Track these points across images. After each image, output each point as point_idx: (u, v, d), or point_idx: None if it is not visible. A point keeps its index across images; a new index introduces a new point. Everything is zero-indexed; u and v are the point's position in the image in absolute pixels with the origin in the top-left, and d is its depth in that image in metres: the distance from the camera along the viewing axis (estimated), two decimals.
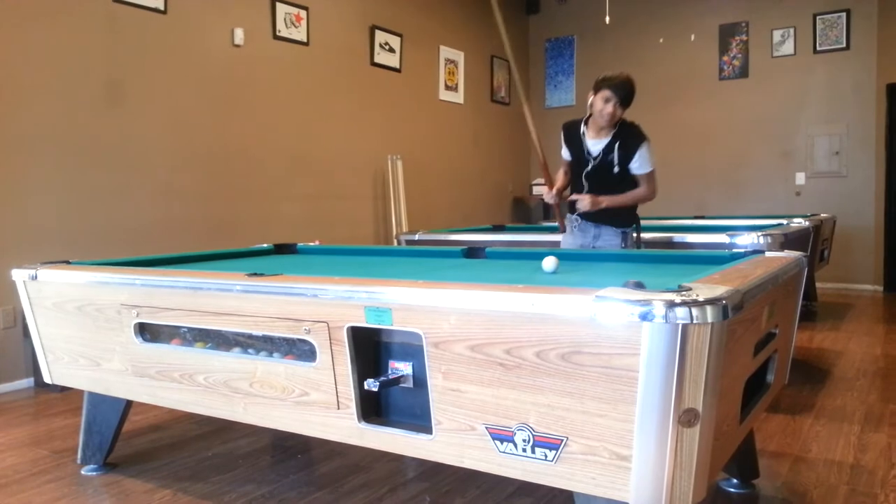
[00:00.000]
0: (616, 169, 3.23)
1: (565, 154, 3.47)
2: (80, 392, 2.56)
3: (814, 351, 4.26)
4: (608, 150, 3.23)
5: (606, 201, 3.25)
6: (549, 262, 2.20)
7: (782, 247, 3.28)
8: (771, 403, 2.56)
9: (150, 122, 4.35)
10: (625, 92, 3.14)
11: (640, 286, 1.42)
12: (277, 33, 5.17)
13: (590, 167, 3.28)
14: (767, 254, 2.26)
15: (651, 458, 1.35)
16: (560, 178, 3.52)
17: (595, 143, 3.27)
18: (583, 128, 3.33)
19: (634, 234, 3.39)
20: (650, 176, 3.29)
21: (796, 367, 3.73)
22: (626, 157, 3.21)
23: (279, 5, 5.16)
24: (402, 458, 2.49)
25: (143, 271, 2.29)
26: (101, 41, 4.07)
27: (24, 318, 2.76)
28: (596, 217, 3.31)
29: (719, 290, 1.38)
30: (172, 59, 4.46)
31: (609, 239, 3.34)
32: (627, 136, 3.22)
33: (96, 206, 4.05)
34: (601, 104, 3.16)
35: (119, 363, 2.28)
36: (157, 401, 2.25)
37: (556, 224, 3.75)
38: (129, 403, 2.48)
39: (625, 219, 3.34)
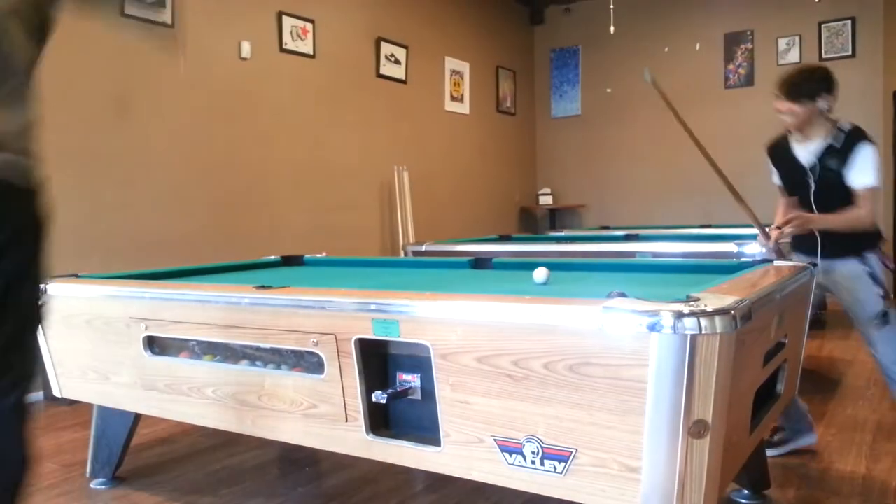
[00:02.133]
0: (841, 177, 2.51)
1: (776, 179, 2.85)
2: (89, 405, 2.56)
3: (824, 360, 4.22)
4: (826, 154, 2.56)
5: (819, 221, 2.53)
6: (540, 274, 2.09)
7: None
8: (781, 413, 2.54)
9: (157, 134, 4.37)
10: (788, 85, 2.58)
11: (622, 297, 1.42)
12: (284, 46, 5.21)
13: (811, 180, 2.59)
14: (776, 263, 2.25)
15: (661, 470, 1.34)
16: (779, 216, 2.73)
17: (805, 149, 2.63)
18: (790, 137, 2.72)
19: (879, 260, 2.58)
20: (869, 192, 2.48)
21: (806, 376, 3.70)
22: (844, 163, 2.51)
23: (286, 18, 5.20)
24: (411, 470, 2.48)
25: (152, 284, 2.30)
26: (110, 55, 4.11)
27: None
28: (821, 249, 2.58)
29: (728, 300, 1.38)
30: (180, 73, 4.50)
31: (844, 273, 2.61)
32: (848, 136, 2.54)
33: (104, 219, 4.08)
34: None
35: (128, 376, 2.28)
36: (166, 414, 2.25)
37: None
38: (137, 417, 2.49)
39: (857, 242, 2.55)
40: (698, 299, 1.39)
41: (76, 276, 2.63)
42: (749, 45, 7.12)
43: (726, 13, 7.22)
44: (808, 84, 2.60)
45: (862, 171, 2.49)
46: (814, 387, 3.59)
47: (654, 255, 3.56)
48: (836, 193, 2.54)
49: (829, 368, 4.02)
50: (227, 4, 4.79)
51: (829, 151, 2.56)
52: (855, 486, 2.33)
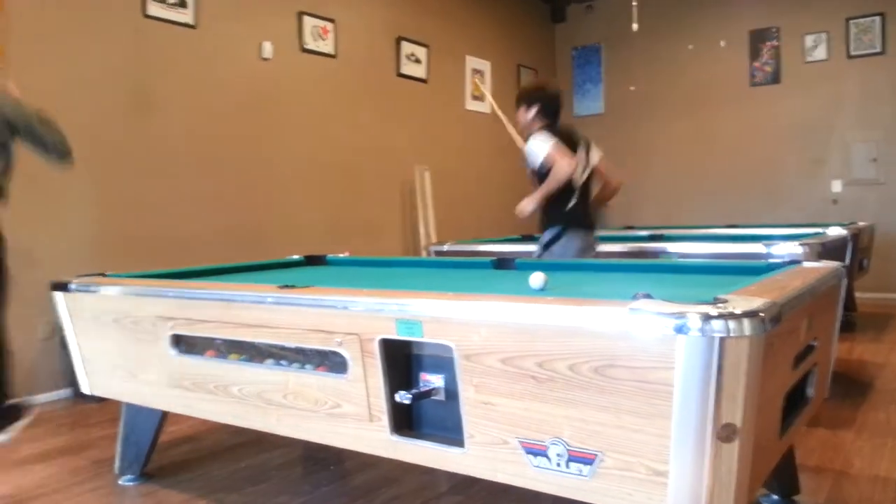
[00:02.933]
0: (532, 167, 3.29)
1: None
2: (117, 403, 2.60)
3: (854, 363, 4.15)
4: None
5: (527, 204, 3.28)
6: (536, 279, 1.92)
7: (820, 256, 3.21)
8: (811, 417, 2.50)
9: (179, 135, 4.42)
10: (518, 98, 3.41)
11: (648, 298, 1.40)
12: (305, 46, 5.24)
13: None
14: (805, 264, 2.21)
15: (688, 474, 1.33)
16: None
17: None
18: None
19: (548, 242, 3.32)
20: (548, 161, 3.15)
21: (837, 379, 3.63)
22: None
23: (306, 18, 5.23)
24: (435, 471, 2.47)
25: (178, 283, 2.33)
26: (132, 56, 4.17)
27: (61, 330, 2.83)
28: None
29: (757, 303, 1.36)
30: (202, 73, 4.54)
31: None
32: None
33: (129, 219, 4.13)
34: None
35: (155, 374, 2.31)
36: (192, 412, 2.28)
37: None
38: (164, 414, 2.51)
39: (543, 224, 3.36)
40: (726, 301, 1.37)
41: (103, 275, 2.67)
42: (775, 43, 7.01)
43: (752, 10, 7.12)
44: (520, 95, 3.44)
45: (534, 158, 3.21)
46: (844, 390, 3.53)
47: (680, 255, 3.51)
48: (535, 179, 3.29)
49: (860, 372, 3.94)
50: (248, 5, 4.82)
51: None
52: (888, 492, 2.28)
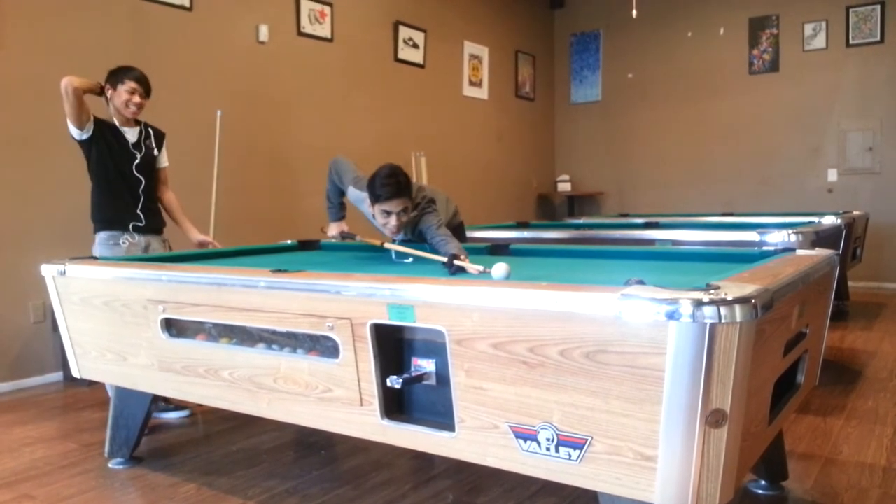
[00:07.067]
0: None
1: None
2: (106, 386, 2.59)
3: (845, 351, 4.17)
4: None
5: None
6: (499, 270, 1.85)
7: (813, 245, 3.21)
8: (801, 404, 2.51)
9: (174, 118, 4.38)
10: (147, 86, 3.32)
11: (641, 284, 1.40)
12: (302, 30, 5.19)
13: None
14: (798, 252, 2.21)
15: (677, 459, 1.33)
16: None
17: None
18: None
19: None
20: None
21: (827, 367, 3.65)
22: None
23: (303, 2, 5.17)
24: (425, 455, 2.48)
25: (169, 267, 2.32)
26: (127, 38, 4.12)
27: (53, 313, 2.81)
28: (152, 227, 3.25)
29: (748, 289, 1.35)
30: (198, 56, 4.50)
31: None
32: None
33: None
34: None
35: (145, 358, 2.30)
36: (183, 395, 2.27)
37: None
38: (155, 398, 2.51)
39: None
40: (718, 287, 1.36)
41: (95, 258, 2.66)
42: (774, 31, 6.98)
43: None
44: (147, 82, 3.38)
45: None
46: (835, 378, 3.54)
47: (674, 243, 3.52)
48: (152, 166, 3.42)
49: (851, 360, 3.96)
50: None
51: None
52: (875, 478, 2.30)
